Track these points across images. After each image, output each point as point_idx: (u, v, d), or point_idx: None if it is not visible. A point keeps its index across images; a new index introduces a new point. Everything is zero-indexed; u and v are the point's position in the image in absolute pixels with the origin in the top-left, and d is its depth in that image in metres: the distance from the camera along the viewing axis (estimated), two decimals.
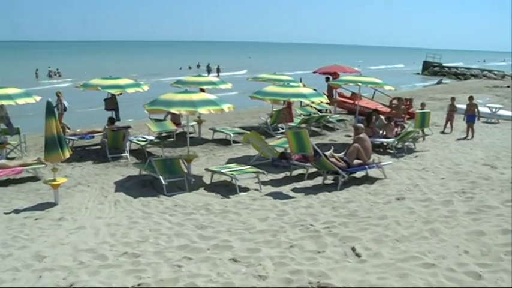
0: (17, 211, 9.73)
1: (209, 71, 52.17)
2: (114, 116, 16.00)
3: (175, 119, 16.34)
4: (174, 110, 11.03)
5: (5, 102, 13.30)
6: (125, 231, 8.38)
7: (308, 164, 11.72)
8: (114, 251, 7.51)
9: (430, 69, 61.30)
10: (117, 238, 8.10)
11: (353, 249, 7.20)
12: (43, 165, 12.03)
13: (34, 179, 11.99)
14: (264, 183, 11.22)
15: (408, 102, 19.17)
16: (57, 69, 53.53)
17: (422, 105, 18.02)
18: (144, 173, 11.69)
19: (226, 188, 11.03)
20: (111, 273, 6.74)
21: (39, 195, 10.71)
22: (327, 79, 22.38)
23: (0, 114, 14.12)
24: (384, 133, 15.19)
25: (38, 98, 13.73)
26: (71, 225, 8.81)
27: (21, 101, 13.22)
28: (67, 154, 10.04)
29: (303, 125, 17.23)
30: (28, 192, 11.04)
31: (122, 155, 14.03)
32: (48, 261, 7.22)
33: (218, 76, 46.64)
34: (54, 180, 10.11)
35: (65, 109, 17.46)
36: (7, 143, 14.26)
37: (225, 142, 16.03)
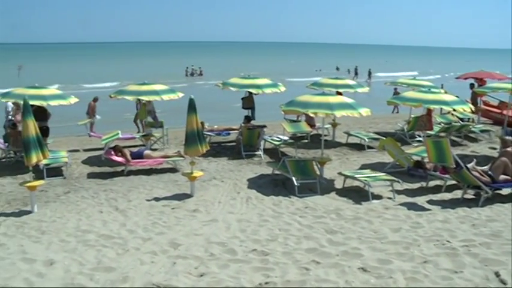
0: (157, 199, 10.34)
1: (356, 73, 51.02)
2: (250, 115, 16.40)
3: (310, 120, 16.30)
4: (310, 112, 10.95)
5: (152, 98, 14.29)
6: (255, 228, 8.48)
7: (447, 176, 10.95)
8: (243, 247, 7.62)
9: None
10: (247, 234, 8.21)
11: (497, 274, 6.53)
12: (182, 158, 12.71)
13: (173, 170, 12.69)
14: (398, 192, 10.70)
15: None
16: (200, 68, 56.48)
17: None
18: (276, 172, 11.77)
19: (358, 194, 10.70)
20: (239, 268, 6.83)
21: (177, 186, 11.28)
22: (472, 86, 20.91)
23: (147, 109, 15.18)
24: None
25: (180, 95, 14.51)
26: (204, 217, 9.14)
27: (166, 97, 14.04)
28: (205, 149, 10.46)
29: (443, 134, 16.23)
30: (167, 182, 11.68)
31: (256, 153, 14.29)
32: (182, 250, 7.54)
33: (370, 80, 45.73)
34: (192, 173, 10.57)
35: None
36: (152, 135, 15.28)
37: (359, 147, 15.63)
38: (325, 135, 13.28)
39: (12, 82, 27.96)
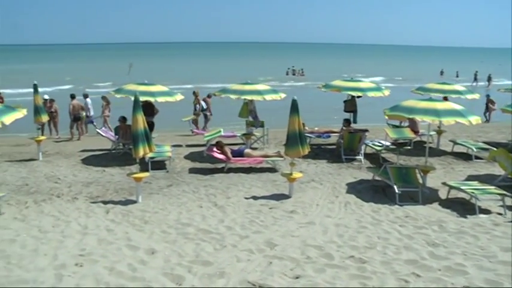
0: (255, 197, 10.48)
1: (476, 79, 47.87)
2: (352, 118, 16.13)
3: (414, 126, 15.71)
4: (416, 118, 10.52)
5: (254, 97, 14.51)
6: (353, 234, 8.31)
7: None
8: (340, 252, 7.50)
9: None
10: (344, 240, 8.07)
11: None
12: (281, 159, 12.78)
13: (272, 170, 12.79)
14: (510, 208, 9.98)
15: None
16: (302, 69, 56.53)
17: None
18: (377, 178, 11.47)
19: (463, 207, 10.11)
20: (336, 274, 6.73)
21: (275, 186, 11.35)
22: None
23: (249, 108, 15.43)
24: None
25: (283, 95, 14.58)
26: (301, 219, 9.11)
27: (268, 97, 14.20)
28: (306, 151, 10.42)
29: None
30: (266, 181, 11.79)
31: (356, 157, 14.03)
32: (278, 250, 7.57)
33: (489, 85, 43.04)
34: (291, 174, 10.57)
35: (202, 109, 18.65)
36: (252, 134, 15.52)
37: (465, 156, 14.81)
38: (430, 143, 12.70)
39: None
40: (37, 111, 14.26)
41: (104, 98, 18.89)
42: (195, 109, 18.53)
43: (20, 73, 51.97)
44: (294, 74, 56.07)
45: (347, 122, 15.39)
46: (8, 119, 9.26)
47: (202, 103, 18.63)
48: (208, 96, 19.15)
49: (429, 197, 10.61)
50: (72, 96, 18.33)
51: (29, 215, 9.32)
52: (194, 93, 19.34)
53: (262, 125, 16.28)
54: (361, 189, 11.18)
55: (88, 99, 18.33)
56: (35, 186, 11.34)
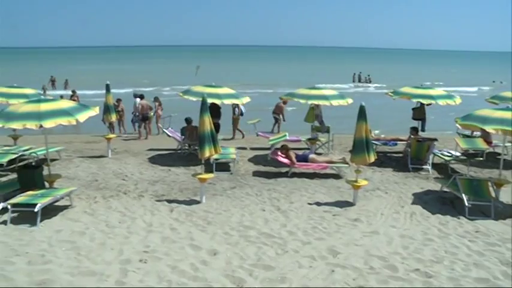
0: (318, 203, 10.38)
1: None
2: (420, 126, 15.69)
3: (487, 137, 15.03)
4: (489, 129, 10.04)
5: (321, 102, 14.39)
6: (418, 247, 8.05)
7: None
8: (405, 265, 7.29)
9: None
10: (409, 252, 7.83)
11: None
12: (346, 165, 12.60)
13: (336, 176, 12.62)
14: None
15: None
16: (368, 76, 55.56)
17: None
18: (445, 189, 11.06)
19: None
20: (400, 287, 6.54)
21: (339, 193, 11.20)
22: None
23: (315, 113, 15.32)
24: None
25: (350, 101, 14.37)
26: (365, 228, 8.93)
27: (335, 102, 14.03)
28: (372, 158, 10.20)
29: None
30: (330, 188, 11.66)
31: (424, 167, 13.59)
32: (341, 258, 7.46)
33: None
34: (356, 181, 10.39)
35: (241, 114, 18.33)
36: (317, 140, 15.39)
37: None
38: (504, 155, 12.08)
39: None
40: (107, 110, 14.81)
41: (156, 98, 19.77)
42: (234, 113, 18.64)
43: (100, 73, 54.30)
44: (360, 81, 55.22)
45: (415, 130, 14.97)
46: (83, 116, 9.66)
47: (242, 108, 18.73)
48: (284, 102, 19.05)
49: (502, 212, 10.07)
50: (141, 97, 18.95)
51: (97, 209, 9.70)
52: None
53: (327, 131, 16.13)
54: (428, 200, 10.81)
55: (137, 99, 18.97)
56: (104, 182, 11.78)
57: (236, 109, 18.41)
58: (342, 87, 45.23)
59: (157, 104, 19.51)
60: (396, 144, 15.68)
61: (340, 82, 49.33)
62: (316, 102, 14.38)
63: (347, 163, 12.49)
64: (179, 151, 15.37)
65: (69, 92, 24.11)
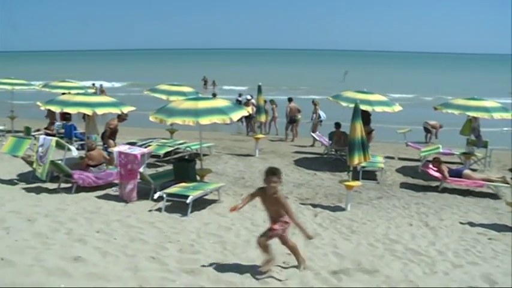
0: (471, 224, 9.56)
1: None
2: None
3: None
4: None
5: (480, 115, 13.12)
6: None
7: None
8: None
9: None
10: None
11: None
12: (507, 185, 11.43)
13: (494, 196, 11.59)
14: None
15: None
16: None
17: None
18: None
19: None
20: None
21: (497, 215, 10.23)
22: None
23: (472, 126, 14.17)
24: None
25: None
26: None
27: (497, 115, 12.82)
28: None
29: None
30: (485, 208, 10.72)
31: None
32: None
33: None
34: None
35: (319, 118, 17.59)
36: (473, 154, 14.26)
37: None
38: None
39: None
40: (259, 110, 15.22)
41: (271, 101, 20.18)
42: (312, 118, 18.08)
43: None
44: None
45: None
46: (236, 115, 9.99)
47: (321, 113, 18.04)
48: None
49: None
50: (290, 99, 19.23)
51: (243, 207, 9.92)
52: (313, 102, 18.92)
53: (485, 145, 14.87)
54: None
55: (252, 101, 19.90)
56: (250, 181, 12.10)
57: (314, 115, 18.11)
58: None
59: (274, 106, 20.03)
60: None
61: (496, 93, 45.42)
62: (474, 114, 13.28)
63: (508, 183, 11.37)
64: (325, 156, 15.28)
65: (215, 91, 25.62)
